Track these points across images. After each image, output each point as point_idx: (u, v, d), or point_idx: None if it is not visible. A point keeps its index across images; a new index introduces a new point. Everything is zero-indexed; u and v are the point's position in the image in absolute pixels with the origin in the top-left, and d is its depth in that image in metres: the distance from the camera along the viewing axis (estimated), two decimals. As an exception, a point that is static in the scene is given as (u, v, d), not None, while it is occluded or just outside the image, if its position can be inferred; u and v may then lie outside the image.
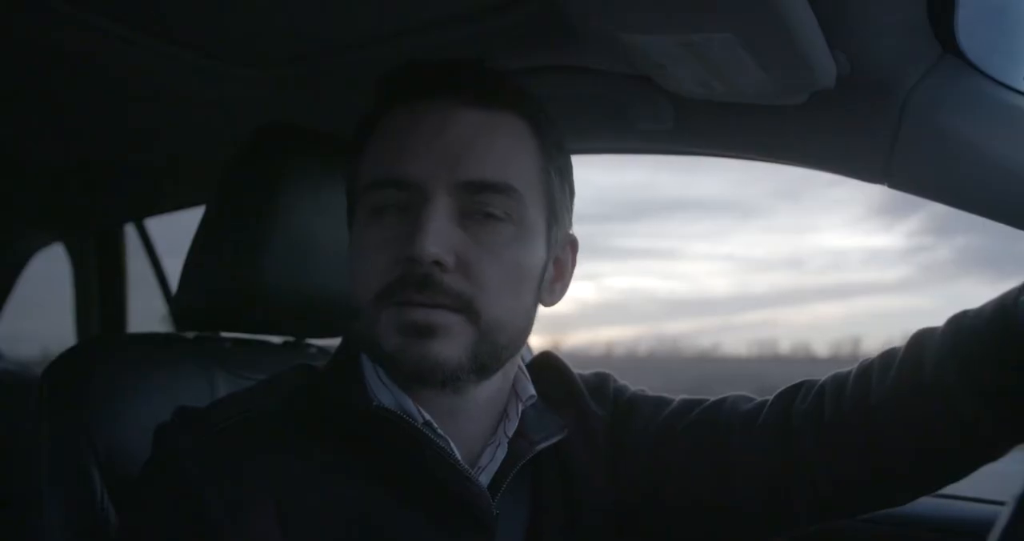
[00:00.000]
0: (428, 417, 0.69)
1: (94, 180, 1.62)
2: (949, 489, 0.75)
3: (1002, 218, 0.80)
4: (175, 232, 1.80)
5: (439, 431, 0.70)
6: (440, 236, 0.65)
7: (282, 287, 0.94)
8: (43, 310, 2.36)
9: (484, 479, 0.72)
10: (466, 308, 0.67)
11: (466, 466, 0.70)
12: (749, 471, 0.75)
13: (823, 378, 0.77)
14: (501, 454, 0.73)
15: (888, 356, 0.72)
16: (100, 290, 1.88)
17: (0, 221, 1.90)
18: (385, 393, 0.71)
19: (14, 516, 0.99)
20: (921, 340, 0.71)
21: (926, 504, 0.99)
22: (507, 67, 0.94)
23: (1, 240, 2.00)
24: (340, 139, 1.03)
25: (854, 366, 0.75)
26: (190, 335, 1.00)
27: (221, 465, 0.65)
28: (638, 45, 0.76)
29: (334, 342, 1.10)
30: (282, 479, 0.66)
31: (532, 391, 0.76)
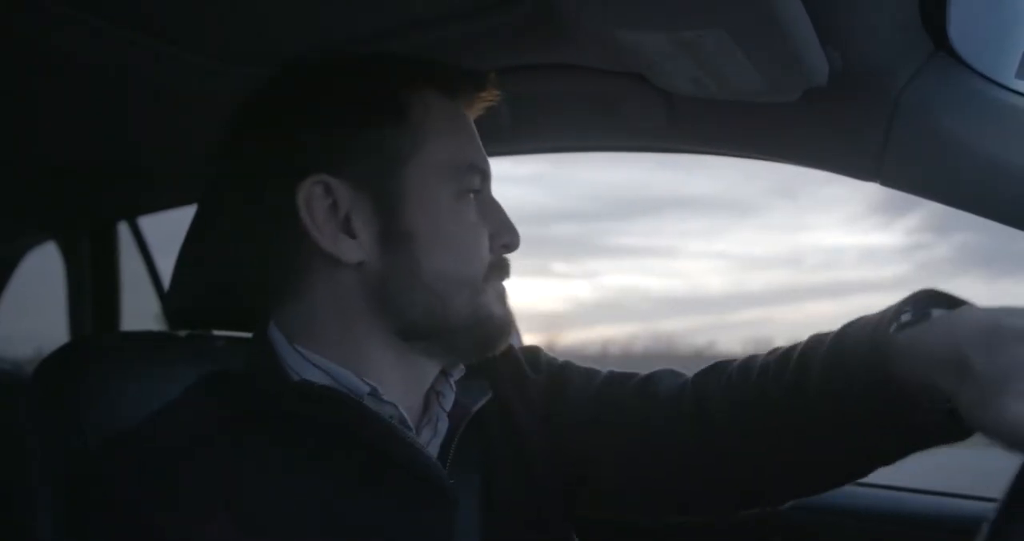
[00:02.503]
0: (373, 383, 0.70)
1: (87, 178, 1.61)
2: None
3: (994, 215, 0.80)
4: (167, 230, 1.80)
5: (385, 398, 0.70)
6: None
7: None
8: (37, 309, 2.35)
9: (432, 451, 0.73)
10: None
11: (416, 438, 0.71)
12: (672, 452, 0.77)
13: (735, 362, 0.78)
14: (443, 427, 0.75)
15: (785, 355, 0.74)
16: (93, 289, 1.87)
17: (-8, 219, 1.90)
18: (315, 372, 0.70)
19: (6, 515, 0.99)
20: (813, 345, 0.72)
21: (908, 500, 0.99)
22: (500, 65, 0.94)
23: (-6, 238, 2.00)
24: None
25: (764, 355, 0.76)
26: (182, 333, 1.00)
27: (169, 488, 0.63)
28: (631, 42, 0.76)
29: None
30: (230, 482, 0.64)
31: (461, 367, 0.79)
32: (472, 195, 0.74)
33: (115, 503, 0.63)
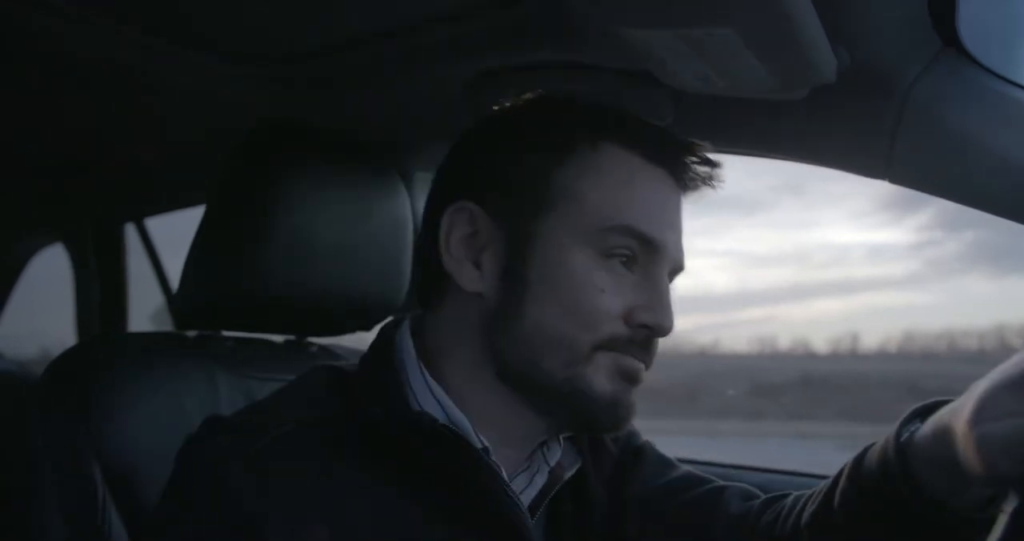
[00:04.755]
0: (486, 443, 0.68)
1: (95, 181, 1.62)
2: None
3: (1003, 213, 0.80)
4: (176, 231, 1.80)
5: (493, 458, 0.68)
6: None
7: (283, 285, 0.93)
8: (42, 309, 2.36)
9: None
10: None
11: (516, 493, 0.68)
12: None
13: (794, 494, 0.77)
14: (540, 481, 0.73)
15: (825, 482, 0.73)
16: (101, 290, 1.88)
17: (0, 221, 1.90)
18: (436, 408, 0.69)
19: (15, 516, 0.99)
20: (842, 469, 0.71)
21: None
22: (506, 63, 0.94)
23: (1, 240, 2.00)
24: (340, 135, 1.03)
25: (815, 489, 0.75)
26: (191, 334, 1.00)
27: (273, 480, 0.62)
28: (638, 40, 0.76)
29: (335, 341, 1.10)
30: (332, 496, 0.63)
31: None
32: (622, 262, 0.69)
33: (225, 484, 0.61)
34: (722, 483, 0.81)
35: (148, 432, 0.71)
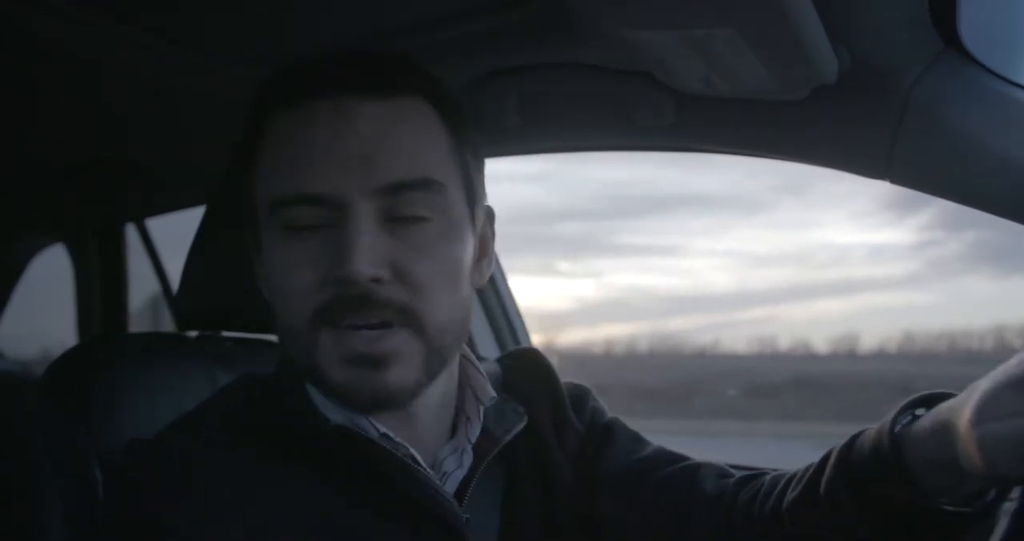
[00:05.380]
0: (384, 430, 0.67)
1: (96, 181, 1.62)
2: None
3: (1004, 213, 0.80)
4: (173, 230, 1.81)
5: (397, 439, 0.67)
6: (371, 251, 0.62)
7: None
8: (42, 309, 2.36)
9: (451, 484, 0.70)
10: (410, 320, 0.64)
11: (431, 474, 0.68)
12: None
13: (770, 473, 0.76)
14: (468, 459, 0.72)
15: (808, 466, 0.72)
16: (101, 290, 1.88)
17: (1, 222, 1.90)
18: (335, 410, 0.68)
19: (15, 516, 0.99)
20: (830, 454, 0.70)
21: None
22: (508, 64, 0.94)
23: (2, 241, 2.00)
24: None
25: (794, 469, 0.74)
26: (191, 334, 1.00)
27: (184, 493, 0.63)
28: (640, 41, 0.76)
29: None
30: (248, 505, 0.63)
31: (492, 393, 0.73)
32: (309, 231, 0.64)
33: (132, 501, 0.63)
34: (696, 461, 0.79)
35: (148, 432, 0.71)
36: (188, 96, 1.13)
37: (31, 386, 1.60)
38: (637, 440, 0.81)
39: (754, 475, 0.77)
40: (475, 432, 0.72)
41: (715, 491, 0.75)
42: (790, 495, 0.70)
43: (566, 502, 0.76)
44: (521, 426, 0.75)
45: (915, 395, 0.65)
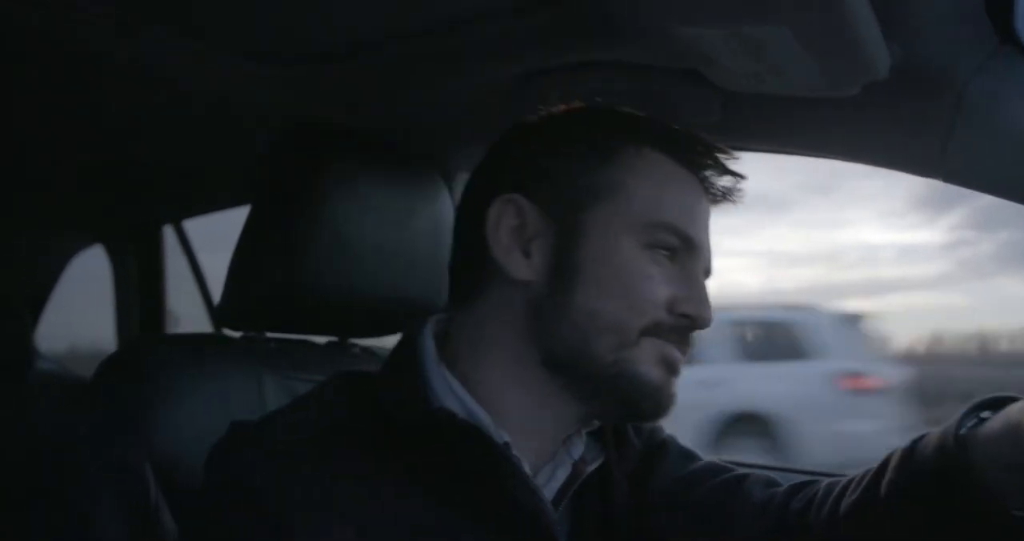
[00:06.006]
0: (507, 438, 0.69)
1: (134, 183, 1.63)
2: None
3: None
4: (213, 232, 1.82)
5: (515, 453, 0.69)
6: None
7: (327, 287, 0.94)
8: (75, 308, 2.38)
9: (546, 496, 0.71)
10: None
11: (538, 485, 0.69)
12: None
13: (825, 480, 0.76)
14: (563, 475, 0.74)
15: (866, 470, 0.72)
16: (140, 291, 1.90)
17: (41, 223, 1.93)
18: (457, 405, 0.70)
19: (63, 516, 1.00)
20: (890, 457, 0.70)
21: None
22: (551, 64, 0.93)
23: (42, 242, 2.03)
24: (383, 138, 1.03)
25: (848, 474, 0.74)
26: (236, 335, 1.00)
27: (298, 482, 0.63)
28: (687, 38, 0.75)
29: (376, 342, 1.10)
30: (356, 497, 0.64)
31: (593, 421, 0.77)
32: (664, 255, 0.72)
33: (251, 489, 0.63)
34: (744, 471, 0.81)
35: (198, 433, 0.72)
36: (225, 98, 1.14)
37: (73, 385, 1.62)
38: (688, 456, 0.83)
39: (806, 482, 0.77)
40: (578, 451, 0.75)
41: (763, 499, 0.76)
42: (848, 499, 0.69)
43: (624, 517, 0.77)
44: (601, 460, 0.77)
45: (981, 398, 0.65)
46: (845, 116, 0.86)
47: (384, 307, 0.97)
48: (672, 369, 0.71)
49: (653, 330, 0.70)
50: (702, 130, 0.96)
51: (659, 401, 0.71)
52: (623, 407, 0.72)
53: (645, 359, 0.70)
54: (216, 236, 1.82)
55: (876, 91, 0.81)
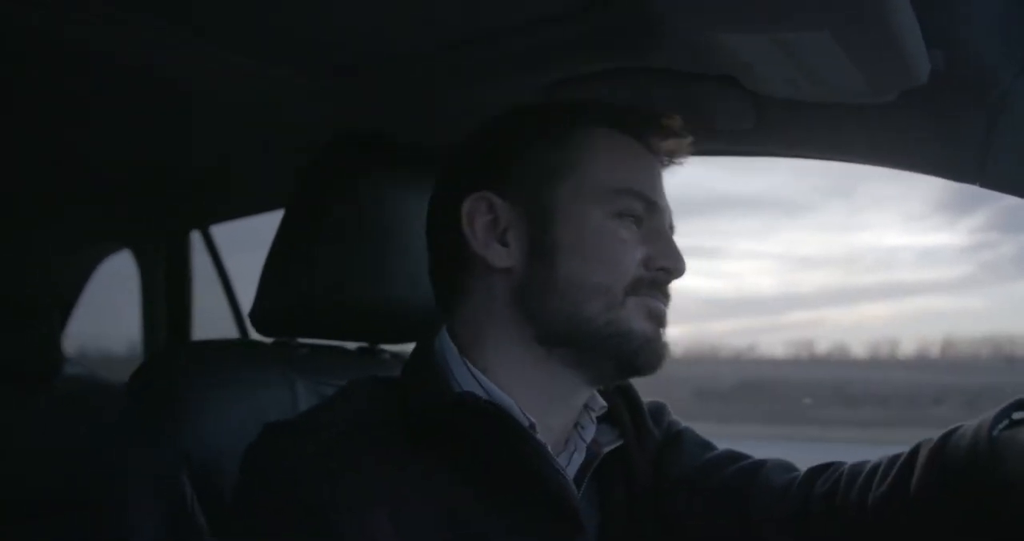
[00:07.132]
0: (533, 420, 0.73)
1: (162, 188, 1.65)
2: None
3: None
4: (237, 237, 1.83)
5: (539, 436, 0.73)
6: None
7: (358, 294, 0.94)
8: (101, 312, 2.39)
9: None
10: None
11: (561, 465, 0.73)
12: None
13: (847, 463, 0.77)
14: (579, 458, 0.78)
15: (893, 458, 0.73)
16: (167, 296, 1.92)
17: (69, 229, 1.95)
18: (480, 391, 0.74)
19: (99, 521, 1.01)
20: (918, 449, 0.71)
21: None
22: (585, 71, 0.93)
23: (71, 247, 2.05)
24: (417, 146, 1.04)
25: (874, 460, 0.75)
26: (268, 341, 1.01)
27: (336, 473, 0.65)
28: (725, 45, 0.74)
29: (405, 349, 1.10)
30: (391, 487, 0.66)
31: (603, 402, 0.81)
32: (632, 219, 0.76)
33: (292, 480, 0.65)
34: (761, 458, 0.83)
35: (233, 438, 0.72)
36: (252, 105, 1.14)
37: (103, 390, 1.63)
38: (706, 446, 0.87)
39: (826, 465, 0.78)
40: (589, 435, 0.79)
41: (782, 484, 0.78)
42: (878, 490, 0.70)
43: (646, 505, 0.81)
44: (618, 443, 0.81)
45: (1014, 399, 0.65)
46: (882, 121, 0.85)
47: (414, 314, 0.97)
48: (659, 321, 0.76)
49: (635, 288, 0.74)
50: (737, 136, 0.96)
51: (653, 352, 0.75)
52: (620, 365, 0.75)
53: (634, 316, 0.74)
54: (236, 239, 1.84)
55: (914, 96, 0.80)
